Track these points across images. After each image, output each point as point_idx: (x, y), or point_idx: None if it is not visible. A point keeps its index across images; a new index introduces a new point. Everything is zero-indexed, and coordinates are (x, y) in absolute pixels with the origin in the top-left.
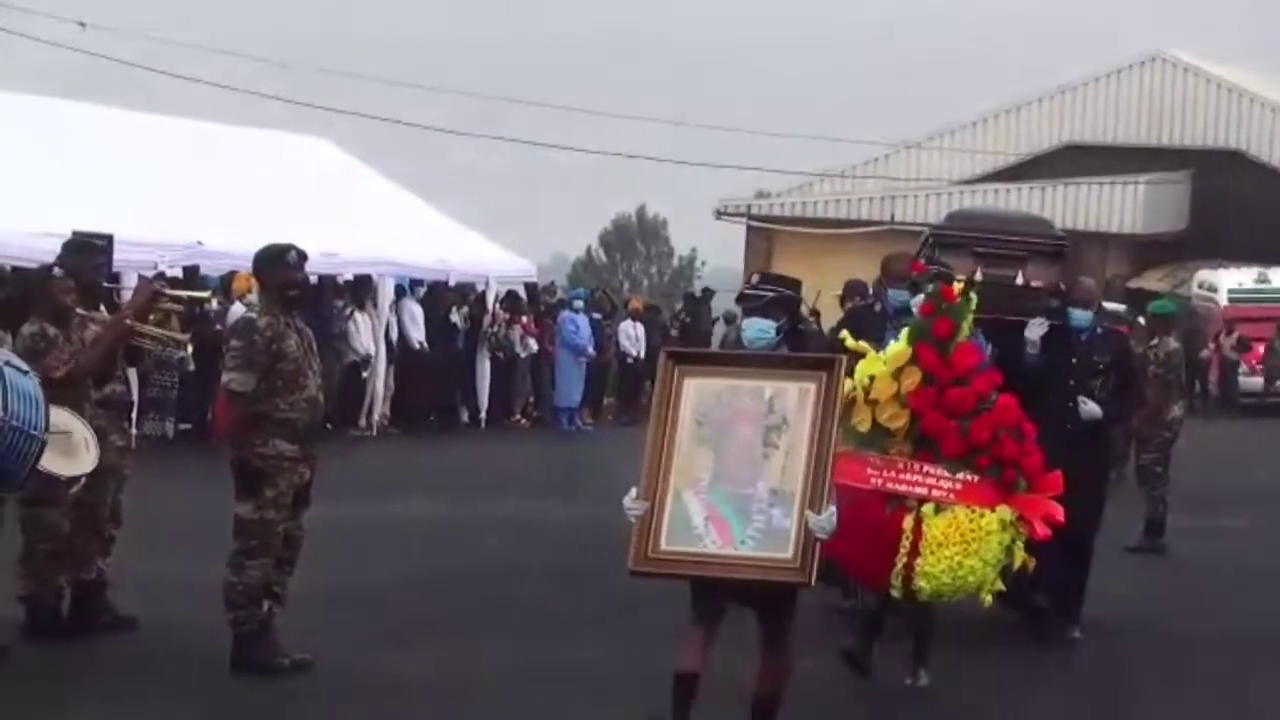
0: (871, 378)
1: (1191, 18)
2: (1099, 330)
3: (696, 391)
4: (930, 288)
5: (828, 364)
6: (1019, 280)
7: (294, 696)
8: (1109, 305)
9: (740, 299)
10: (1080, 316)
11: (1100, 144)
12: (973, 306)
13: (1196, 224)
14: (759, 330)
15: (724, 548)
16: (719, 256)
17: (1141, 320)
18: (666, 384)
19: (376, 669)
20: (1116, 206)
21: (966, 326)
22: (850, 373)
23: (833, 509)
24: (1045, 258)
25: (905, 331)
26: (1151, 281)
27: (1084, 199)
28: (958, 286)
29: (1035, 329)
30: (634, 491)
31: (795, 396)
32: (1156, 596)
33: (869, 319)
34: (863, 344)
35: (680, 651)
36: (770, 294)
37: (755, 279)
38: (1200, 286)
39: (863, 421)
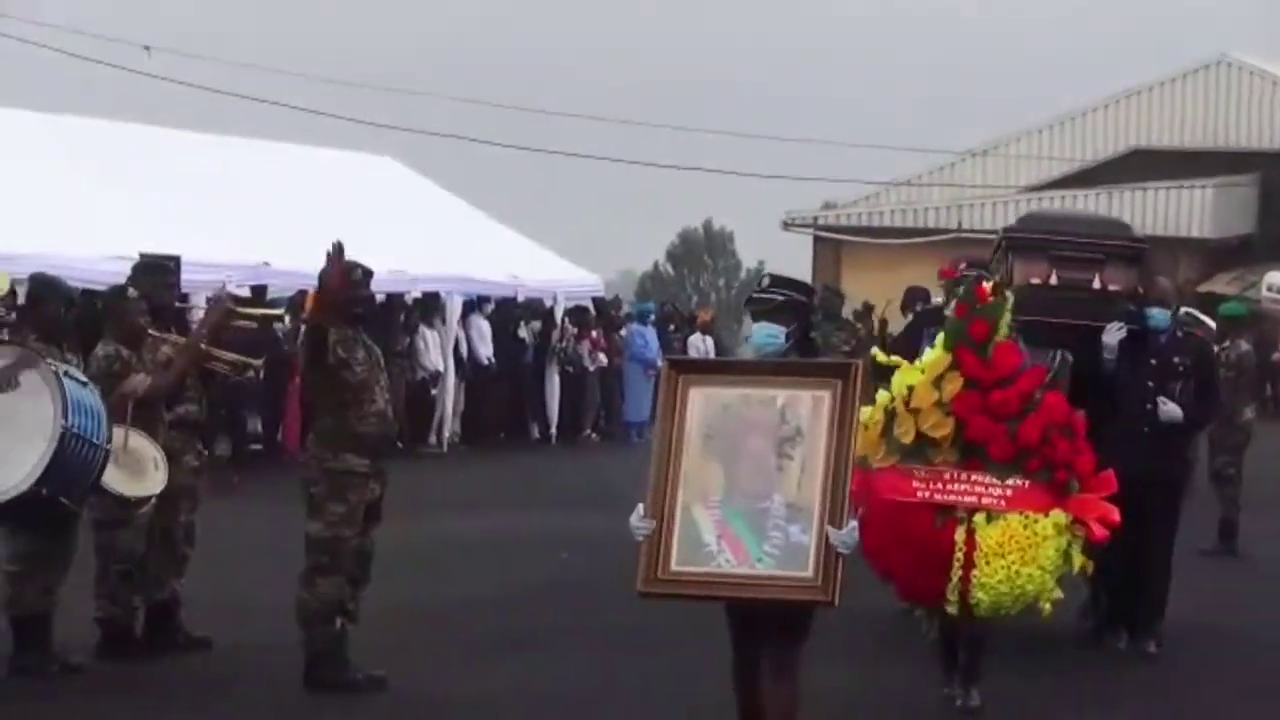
0: (910, 388)
1: (1255, 19)
2: (1178, 333)
3: (703, 402)
4: (962, 289)
5: (843, 370)
6: (1095, 284)
7: (368, 714)
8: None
9: (749, 303)
10: (1158, 317)
11: (1166, 149)
12: (1008, 305)
13: (1265, 226)
14: (767, 335)
15: (739, 566)
16: (786, 268)
17: (1208, 322)
18: (670, 394)
19: (450, 686)
20: (1184, 211)
21: (1004, 326)
22: (887, 385)
23: (854, 524)
24: (1123, 261)
25: (941, 336)
26: (1221, 285)
27: (1151, 204)
28: (989, 285)
29: (1113, 334)
30: (640, 509)
31: (809, 405)
32: (1230, 599)
33: (938, 323)
34: (895, 358)
35: (738, 696)
36: (780, 298)
37: (765, 281)
38: (1269, 289)
39: (906, 433)
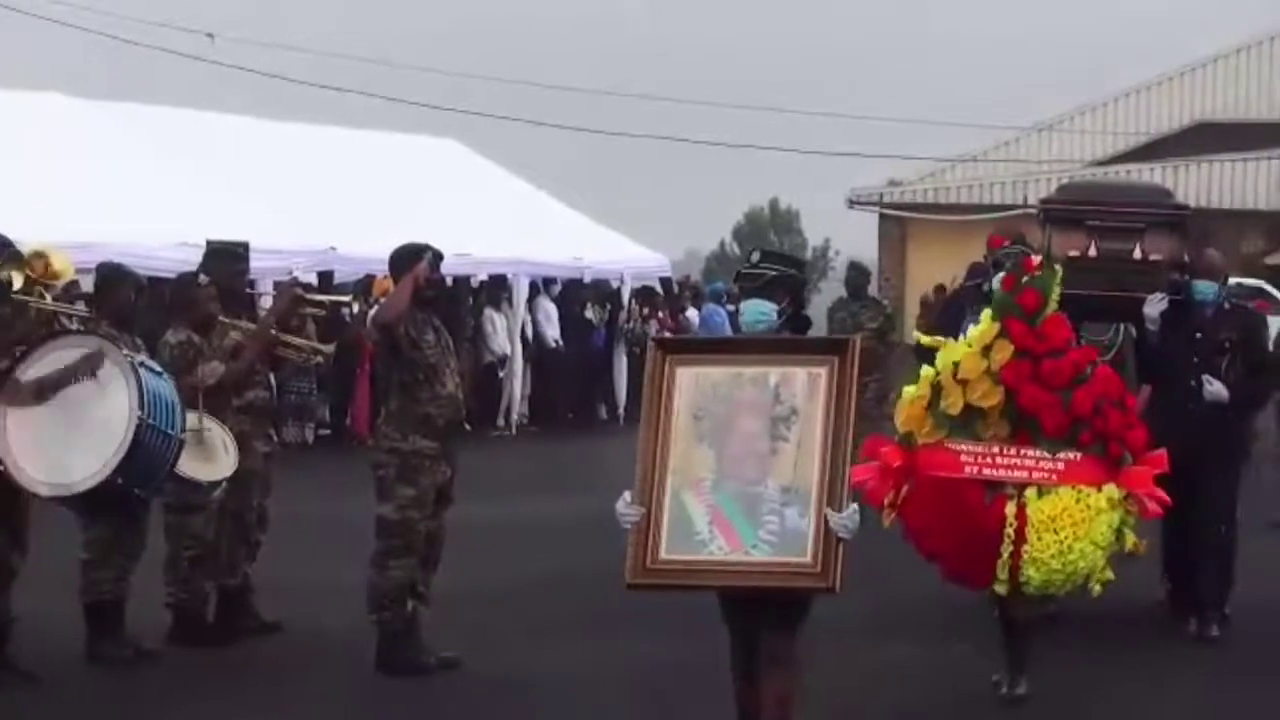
0: (956, 364)
1: None
2: (1226, 305)
3: (692, 382)
4: (1009, 262)
5: (840, 346)
6: (1136, 254)
7: (441, 696)
8: (1236, 280)
9: (738, 278)
10: (1204, 288)
11: (1231, 121)
12: (1057, 278)
13: None
14: (759, 312)
15: (732, 553)
16: (852, 246)
17: (1277, 294)
18: (656, 375)
19: (522, 668)
20: (1250, 183)
21: (1054, 298)
22: (931, 362)
23: (854, 506)
24: (1164, 229)
25: (986, 312)
26: None
27: (1217, 177)
28: (1037, 259)
29: (1154, 305)
30: (627, 495)
31: (805, 383)
32: None
33: (976, 300)
34: (937, 338)
35: (736, 690)
36: (771, 273)
37: (755, 257)
38: None
39: (954, 404)
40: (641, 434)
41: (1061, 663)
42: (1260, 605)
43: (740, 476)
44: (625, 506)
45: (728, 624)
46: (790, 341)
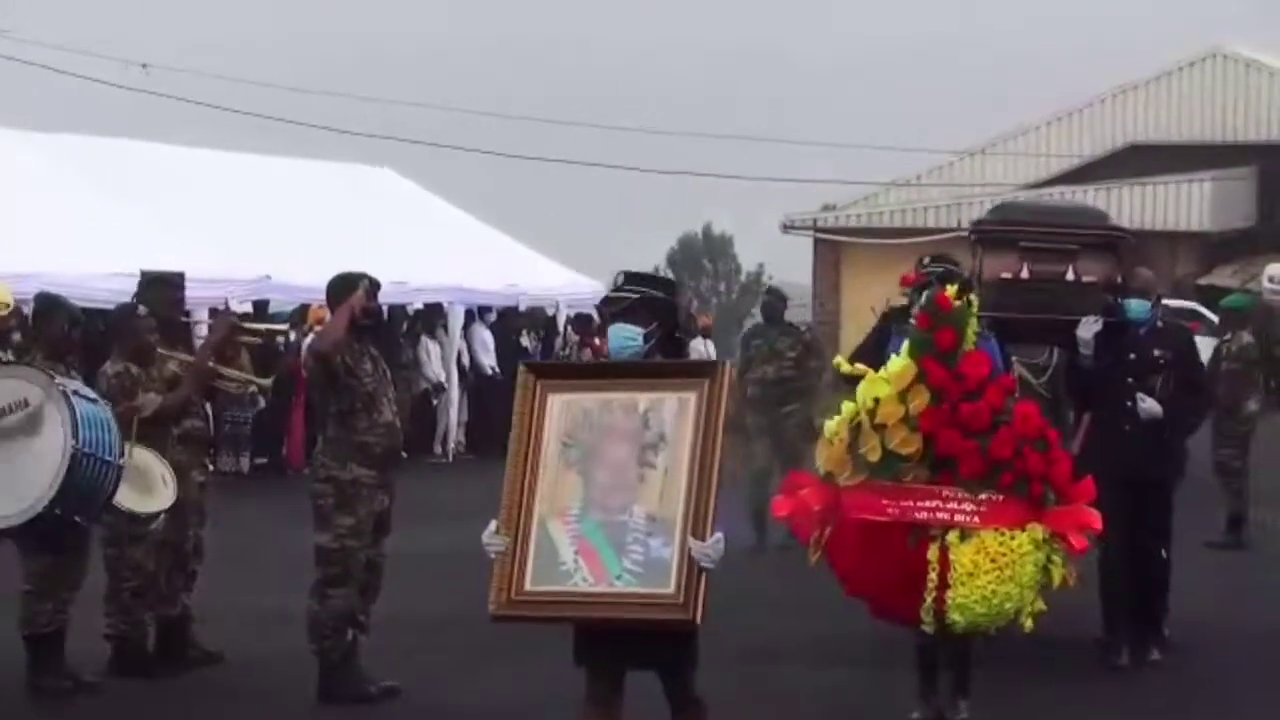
0: (876, 400)
1: (1248, 10)
2: (1159, 324)
3: (563, 409)
4: (923, 297)
5: (710, 370)
6: (1069, 276)
7: None
8: (1173, 302)
9: (605, 303)
10: (1137, 307)
11: (1164, 143)
12: (973, 310)
13: (1264, 218)
14: (625, 338)
15: (597, 584)
16: (787, 271)
17: (1209, 315)
18: (527, 401)
19: (464, 694)
20: (1183, 205)
21: (971, 334)
22: (852, 395)
23: (719, 535)
24: (1098, 250)
25: (905, 346)
26: (1222, 278)
27: (1150, 199)
28: (951, 290)
29: (1087, 328)
30: (493, 525)
31: (674, 409)
32: (1239, 592)
33: (901, 321)
34: (860, 366)
35: None
36: (635, 296)
37: (619, 280)
38: (1271, 281)
39: (873, 450)
40: (509, 461)
41: (1005, 686)
42: (1197, 624)
43: (607, 505)
44: (490, 536)
45: (586, 663)
46: (662, 366)
